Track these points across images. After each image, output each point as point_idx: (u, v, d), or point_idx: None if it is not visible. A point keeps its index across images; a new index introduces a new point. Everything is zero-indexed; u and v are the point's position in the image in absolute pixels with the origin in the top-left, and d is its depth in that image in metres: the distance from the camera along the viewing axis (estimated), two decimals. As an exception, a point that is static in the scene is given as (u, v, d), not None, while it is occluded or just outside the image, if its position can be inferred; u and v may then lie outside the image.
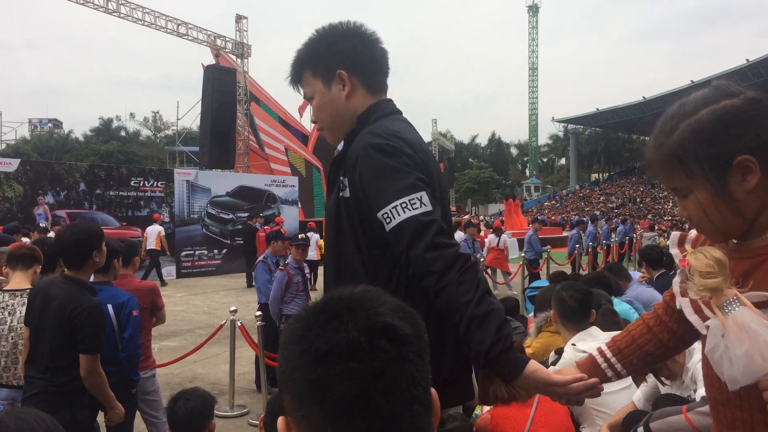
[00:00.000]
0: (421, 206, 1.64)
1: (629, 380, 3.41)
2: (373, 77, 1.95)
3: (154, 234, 15.24)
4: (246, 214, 18.64)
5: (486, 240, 13.87)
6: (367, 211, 1.73)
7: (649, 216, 41.89)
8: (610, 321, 3.96)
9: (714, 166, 1.18)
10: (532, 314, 5.00)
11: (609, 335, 3.42)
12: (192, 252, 17.84)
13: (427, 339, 0.80)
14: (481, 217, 39.08)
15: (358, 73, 1.91)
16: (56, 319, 3.15)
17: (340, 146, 1.95)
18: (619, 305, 4.64)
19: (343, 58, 1.90)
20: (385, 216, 1.66)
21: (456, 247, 1.65)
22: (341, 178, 1.83)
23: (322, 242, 14.84)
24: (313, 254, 14.55)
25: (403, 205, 1.64)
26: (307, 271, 6.98)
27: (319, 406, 0.72)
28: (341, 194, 1.82)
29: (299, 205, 23.33)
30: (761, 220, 1.20)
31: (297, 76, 1.98)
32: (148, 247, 14.96)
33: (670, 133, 1.25)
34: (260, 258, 7.46)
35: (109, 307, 3.75)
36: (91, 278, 3.80)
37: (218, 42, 24.53)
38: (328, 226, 1.91)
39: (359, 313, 0.75)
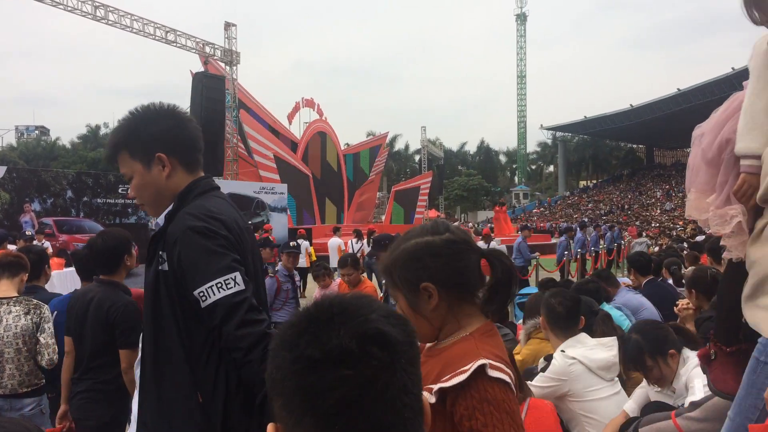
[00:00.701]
0: (234, 286, 1.80)
1: (618, 386, 3.43)
2: (191, 156, 2.07)
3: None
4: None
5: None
6: (184, 287, 1.85)
7: (637, 223, 42.12)
8: (610, 327, 3.99)
9: (408, 287, 1.47)
10: (521, 321, 5.01)
11: (598, 341, 3.45)
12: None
13: (418, 346, 0.80)
14: (470, 224, 39.16)
15: (177, 154, 2.02)
16: (95, 319, 3.32)
17: (159, 220, 2.07)
18: (611, 311, 4.66)
19: (161, 141, 1.99)
20: (201, 294, 1.80)
21: (264, 324, 1.81)
22: (160, 252, 1.94)
23: (312, 249, 14.85)
24: (303, 261, 14.48)
25: (218, 285, 1.79)
26: (297, 278, 6.97)
27: (311, 413, 0.71)
28: (160, 267, 1.93)
29: (288, 213, 23.28)
30: (445, 330, 1.49)
31: (113, 157, 2.07)
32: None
33: (395, 249, 1.51)
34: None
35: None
36: (79, 285, 3.78)
37: (207, 49, 24.48)
38: (146, 297, 2.01)
39: (351, 319, 0.75)
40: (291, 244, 7.45)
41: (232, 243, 1.89)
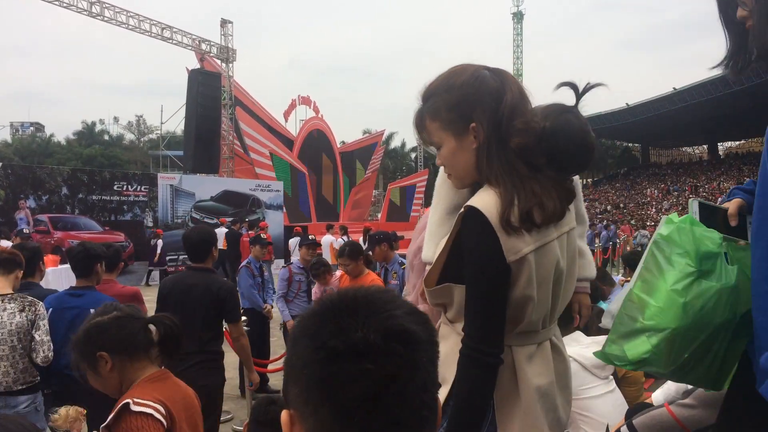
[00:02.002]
0: None
1: (613, 384, 3.44)
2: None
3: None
4: (230, 219, 18.55)
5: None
6: None
7: (632, 221, 42.21)
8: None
9: (87, 360, 2.03)
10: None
11: (593, 340, 3.46)
12: (176, 257, 17.67)
13: (438, 345, 0.80)
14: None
15: None
16: (204, 300, 3.87)
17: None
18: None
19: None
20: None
21: None
22: None
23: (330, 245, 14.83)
24: (327, 256, 14.55)
25: None
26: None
27: (329, 404, 0.71)
28: None
29: (284, 210, 23.26)
30: (125, 384, 2.01)
31: None
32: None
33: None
34: (243, 263, 7.41)
35: (92, 312, 3.71)
36: (74, 282, 3.79)
37: (203, 46, 24.44)
38: None
39: (376, 314, 0.75)
40: (310, 237, 7.46)
41: None
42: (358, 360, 0.71)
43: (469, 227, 1.57)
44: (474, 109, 1.63)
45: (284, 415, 0.78)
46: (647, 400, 3.14)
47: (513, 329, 1.65)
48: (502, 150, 1.62)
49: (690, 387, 2.39)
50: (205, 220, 19.06)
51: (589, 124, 1.80)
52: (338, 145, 37.65)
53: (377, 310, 0.75)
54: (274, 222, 20.69)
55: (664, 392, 3.16)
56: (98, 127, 69.21)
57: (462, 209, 1.60)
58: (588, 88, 1.78)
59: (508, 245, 1.53)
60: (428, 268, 1.76)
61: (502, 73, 1.72)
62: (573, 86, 1.78)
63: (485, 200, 1.56)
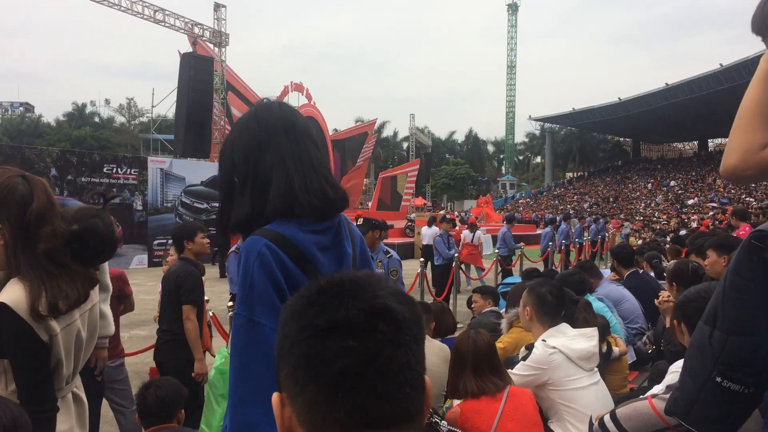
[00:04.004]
0: None
1: (597, 376, 3.47)
2: None
3: None
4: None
5: (461, 235, 13.93)
6: None
7: (621, 216, 42.43)
8: (591, 315, 4.04)
9: None
10: (504, 310, 5.05)
11: (578, 332, 3.49)
12: (165, 241, 17.61)
13: (424, 326, 0.81)
14: (456, 213, 39.30)
15: None
16: (170, 285, 4.37)
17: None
18: (595, 303, 4.72)
19: None
20: None
21: None
22: None
23: None
24: None
25: None
26: None
27: (314, 381, 0.74)
28: None
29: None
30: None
31: None
32: None
33: None
34: (233, 248, 7.37)
35: None
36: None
37: (195, 30, 24.25)
38: None
39: (360, 294, 0.77)
40: None
41: None
42: (342, 337, 0.73)
43: (3, 322, 1.86)
44: (1, 213, 1.94)
45: (275, 397, 0.80)
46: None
47: None
48: (29, 250, 1.94)
49: (674, 382, 2.41)
50: (195, 204, 18.99)
51: (113, 225, 2.29)
52: (330, 133, 37.54)
53: (362, 290, 0.77)
54: (265, 208, 20.61)
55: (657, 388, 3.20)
56: (89, 109, 68.68)
57: None
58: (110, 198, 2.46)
59: (40, 329, 1.89)
60: None
61: (34, 181, 2.09)
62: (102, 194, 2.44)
63: (12, 295, 1.87)
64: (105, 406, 4.10)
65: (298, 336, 0.75)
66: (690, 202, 41.46)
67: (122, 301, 4.35)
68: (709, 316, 1.73)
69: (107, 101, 72.90)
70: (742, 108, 1.53)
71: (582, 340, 3.42)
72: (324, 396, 0.73)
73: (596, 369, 3.49)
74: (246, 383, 1.37)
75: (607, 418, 2.38)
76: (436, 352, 3.70)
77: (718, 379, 1.67)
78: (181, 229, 4.66)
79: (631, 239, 24.54)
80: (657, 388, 2.56)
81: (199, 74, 22.22)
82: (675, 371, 2.69)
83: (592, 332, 3.51)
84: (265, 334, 1.38)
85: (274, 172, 1.53)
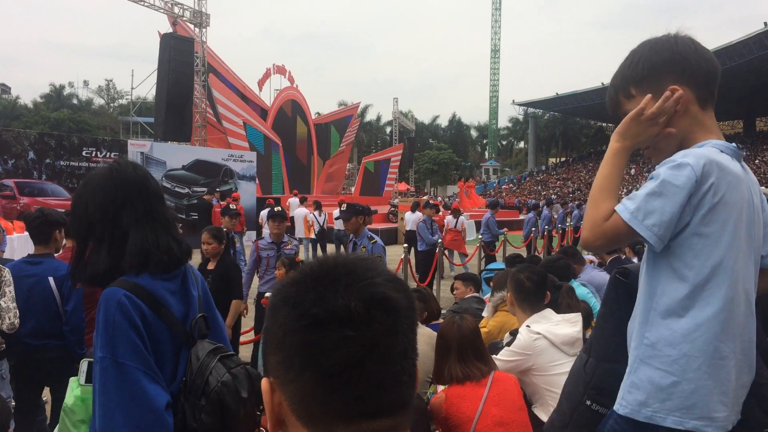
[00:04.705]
0: None
1: (581, 361, 3.48)
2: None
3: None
4: (202, 189, 18.32)
5: (445, 221, 13.94)
6: None
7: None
8: (575, 300, 4.06)
9: None
10: (488, 295, 5.05)
11: (562, 317, 3.50)
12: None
13: (417, 312, 0.81)
14: (439, 198, 39.37)
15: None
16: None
17: None
18: (578, 288, 4.73)
19: None
20: None
21: None
22: None
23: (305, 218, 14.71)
24: (301, 231, 14.37)
25: None
26: (290, 246, 6.42)
27: (311, 370, 0.73)
28: None
29: (257, 182, 23.06)
30: None
31: None
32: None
33: None
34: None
35: (51, 279, 3.66)
36: (32, 250, 3.72)
37: (176, 10, 23.87)
38: None
39: (357, 282, 0.76)
40: (276, 209, 6.67)
41: None
42: (340, 327, 0.72)
43: None
44: None
45: (264, 382, 0.79)
46: None
47: None
48: None
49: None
50: (176, 189, 18.81)
51: None
52: (313, 117, 37.32)
53: (358, 277, 0.76)
54: (247, 193, 20.48)
55: None
56: (67, 91, 67.58)
57: None
58: None
59: None
60: None
61: None
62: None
63: None
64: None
65: (293, 324, 0.74)
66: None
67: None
68: (587, 345, 1.91)
69: (86, 83, 72.03)
70: (594, 185, 1.69)
71: (566, 326, 3.43)
72: (321, 385, 0.73)
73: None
74: (113, 421, 1.51)
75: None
76: (426, 339, 3.69)
77: (588, 402, 1.87)
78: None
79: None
80: None
81: (180, 56, 21.90)
82: None
83: (576, 317, 3.53)
84: (130, 374, 1.54)
85: (130, 231, 1.72)
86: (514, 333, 3.53)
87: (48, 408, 3.96)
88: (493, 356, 3.30)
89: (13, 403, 3.53)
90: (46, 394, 3.96)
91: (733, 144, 1.65)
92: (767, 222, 1.73)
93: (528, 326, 3.39)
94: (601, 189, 1.66)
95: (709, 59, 1.67)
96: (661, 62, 1.65)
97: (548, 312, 3.53)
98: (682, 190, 1.50)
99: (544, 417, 3.34)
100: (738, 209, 1.56)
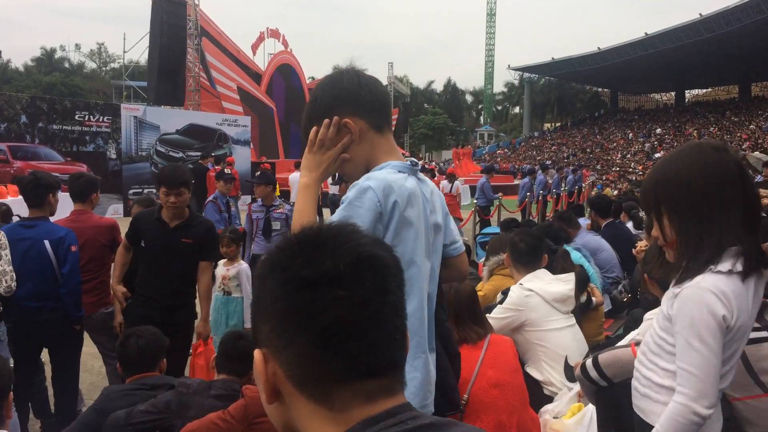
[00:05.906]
0: None
1: (573, 320, 3.56)
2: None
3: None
4: (197, 153, 18.20)
5: (440, 185, 13.93)
6: None
7: (598, 167, 42.77)
8: (569, 263, 4.12)
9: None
10: (483, 260, 5.09)
11: (556, 277, 3.57)
12: (140, 190, 17.36)
13: (404, 271, 0.82)
14: (434, 163, 39.24)
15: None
16: None
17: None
18: (572, 252, 4.77)
19: None
20: None
21: None
22: None
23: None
24: (295, 194, 14.27)
25: None
26: (280, 210, 6.24)
27: (305, 333, 0.73)
28: None
29: (251, 146, 22.93)
30: None
31: None
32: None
33: None
34: (210, 198, 7.30)
35: (46, 242, 3.67)
36: (26, 213, 3.72)
37: (168, -29, 23.39)
38: None
39: (343, 243, 0.76)
40: (257, 173, 6.50)
41: None
42: (331, 288, 0.73)
43: None
44: None
45: (257, 354, 0.79)
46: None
47: None
48: None
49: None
50: (170, 153, 18.69)
51: None
52: (307, 81, 36.94)
53: (344, 239, 0.77)
54: (241, 157, 20.38)
55: (633, 334, 3.26)
56: (58, 54, 66.72)
57: None
58: None
59: None
60: None
61: None
62: None
63: None
64: (85, 355, 4.09)
65: (283, 289, 0.74)
66: (656, 155, 41.75)
67: (114, 249, 4.29)
68: None
69: (77, 46, 71.27)
70: (294, 216, 1.81)
71: (558, 284, 3.52)
72: (315, 347, 0.73)
73: (572, 313, 3.58)
74: None
75: (589, 363, 2.42)
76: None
77: None
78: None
79: (607, 190, 24.77)
80: (638, 335, 2.60)
81: (172, 19, 21.56)
82: (650, 318, 2.74)
83: (569, 277, 3.61)
84: None
85: None
86: (505, 292, 3.58)
87: (47, 369, 4.00)
88: (488, 315, 3.34)
89: (13, 365, 3.56)
90: (45, 355, 3.99)
91: (409, 161, 1.76)
92: (446, 212, 1.89)
93: (521, 284, 3.48)
94: (299, 217, 1.76)
95: (373, 90, 1.75)
96: (331, 99, 1.73)
97: (542, 272, 3.61)
98: (369, 211, 1.59)
99: (536, 375, 3.41)
100: (416, 224, 1.68)
